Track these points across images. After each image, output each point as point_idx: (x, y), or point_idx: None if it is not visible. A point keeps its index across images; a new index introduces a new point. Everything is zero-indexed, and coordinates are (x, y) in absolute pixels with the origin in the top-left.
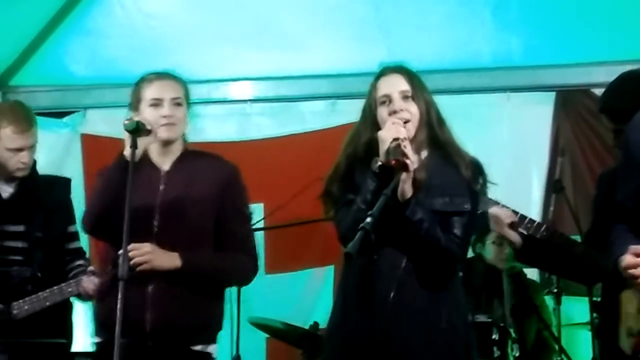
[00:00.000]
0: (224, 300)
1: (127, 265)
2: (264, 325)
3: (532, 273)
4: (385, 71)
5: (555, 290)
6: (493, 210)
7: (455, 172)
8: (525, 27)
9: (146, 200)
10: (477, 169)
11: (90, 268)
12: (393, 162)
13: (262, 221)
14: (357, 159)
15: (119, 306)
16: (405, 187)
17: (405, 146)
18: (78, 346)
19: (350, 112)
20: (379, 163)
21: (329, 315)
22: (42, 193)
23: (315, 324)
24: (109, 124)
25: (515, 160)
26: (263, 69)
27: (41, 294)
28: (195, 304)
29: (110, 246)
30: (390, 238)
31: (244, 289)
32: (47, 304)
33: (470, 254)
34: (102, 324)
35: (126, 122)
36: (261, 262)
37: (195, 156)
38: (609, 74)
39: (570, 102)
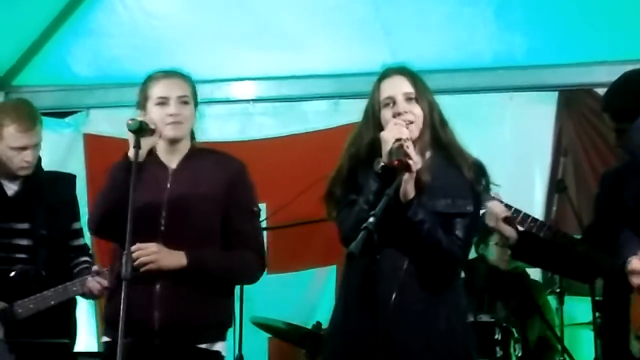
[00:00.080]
0: (232, 298)
1: (130, 265)
2: (266, 325)
3: (534, 273)
4: (388, 73)
5: (558, 290)
6: (488, 204)
7: (457, 174)
8: (527, 27)
9: (153, 199)
10: (479, 171)
11: (95, 267)
12: (395, 162)
13: (265, 221)
14: (359, 160)
15: (122, 306)
16: (408, 188)
17: (407, 147)
18: (81, 346)
19: (352, 111)
20: (382, 164)
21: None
22: (46, 190)
23: (318, 323)
24: (111, 123)
25: (517, 160)
26: (265, 68)
27: (46, 293)
28: (203, 302)
29: (117, 246)
30: (392, 239)
31: (246, 288)
32: (52, 302)
33: (472, 254)
34: (111, 324)
35: (129, 122)
36: None
37: (203, 154)
38: (611, 74)
39: (572, 101)
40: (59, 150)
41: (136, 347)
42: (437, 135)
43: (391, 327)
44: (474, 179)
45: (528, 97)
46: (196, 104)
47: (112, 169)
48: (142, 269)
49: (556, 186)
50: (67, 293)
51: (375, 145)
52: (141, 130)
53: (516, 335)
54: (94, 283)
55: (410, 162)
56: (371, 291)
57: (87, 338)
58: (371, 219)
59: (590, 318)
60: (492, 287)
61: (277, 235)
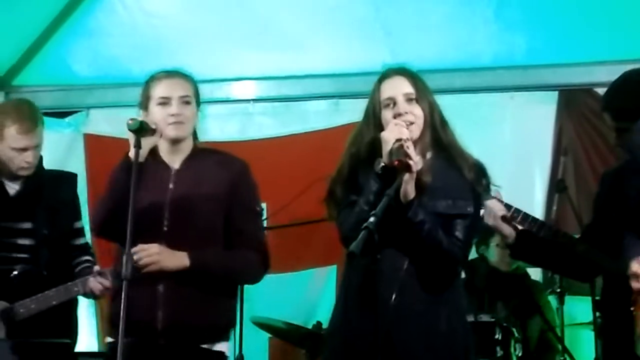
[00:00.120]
0: (235, 298)
1: (130, 265)
2: (266, 325)
3: (535, 273)
4: (389, 73)
5: (559, 290)
6: (487, 203)
7: (458, 175)
8: (527, 26)
9: (156, 199)
10: (480, 172)
11: (97, 268)
12: (396, 162)
13: (265, 221)
14: (360, 160)
15: (122, 305)
16: (408, 188)
17: (408, 147)
18: (81, 346)
19: (352, 111)
20: (382, 164)
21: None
22: (48, 190)
23: (318, 323)
24: (111, 123)
25: (518, 160)
26: (265, 68)
27: (47, 293)
28: (206, 302)
29: (120, 246)
30: (393, 239)
31: (246, 288)
32: (54, 302)
33: (473, 254)
34: (115, 324)
35: (129, 121)
36: None
37: (205, 154)
38: (611, 73)
39: (572, 101)
40: (59, 150)
41: (140, 347)
42: (438, 136)
43: (391, 327)
44: (474, 180)
45: (528, 97)
46: (198, 104)
47: (113, 171)
48: (144, 270)
49: (556, 186)
50: (68, 293)
51: (375, 146)
52: (141, 130)
53: (516, 335)
54: (96, 283)
55: (410, 162)
56: (371, 291)
57: (87, 338)
58: (372, 219)
59: (590, 318)
60: (492, 287)
61: (277, 235)
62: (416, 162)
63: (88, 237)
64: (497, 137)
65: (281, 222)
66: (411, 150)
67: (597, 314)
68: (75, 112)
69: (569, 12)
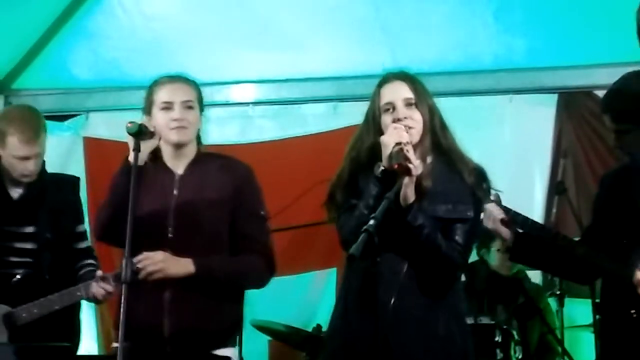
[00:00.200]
0: (241, 303)
1: (130, 269)
2: (266, 328)
3: (535, 275)
4: (388, 78)
5: (558, 293)
6: (486, 206)
7: (458, 179)
8: (527, 29)
9: (160, 205)
10: (480, 176)
11: (100, 273)
12: (396, 166)
13: None
14: (360, 164)
15: (122, 310)
16: (408, 192)
17: (407, 150)
18: (81, 349)
19: (352, 114)
20: (382, 168)
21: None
22: (51, 193)
23: (318, 326)
24: (111, 127)
25: (517, 162)
26: (265, 71)
27: (50, 297)
28: (212, 308)
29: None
30: (392, 243)
31: (246, 291)
32: (56, 307)
33: (474, 257)
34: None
35: (128, 125)
36: None
37: (209, 159)
38: (611, 76)
39: (572, 103)
40: (59, 153)
41: (148, 354)
42: (438, 140)
43: (389, 330)
44: (474, 184)
45: (528, 99)
46: (202, 109)
47: (114, 175)
48: (149, 279)
49: (556, 188)
50: (71, 298)
51: (375, 150)
52: (140, 133)
53: (516, 337)
54: (98, 288)
55: (410, 165)
56: (371, 294)
57: (87, 342)
58: (371, 222)
59: (590, 320)
60: (492, 289)
61: (277, 238)
62: (416, 165)
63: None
64: (497, 140)
65: (281, 225)
66: (411, 154)
67: (597, 316)
68: (75, 115)
69: (568, 15)
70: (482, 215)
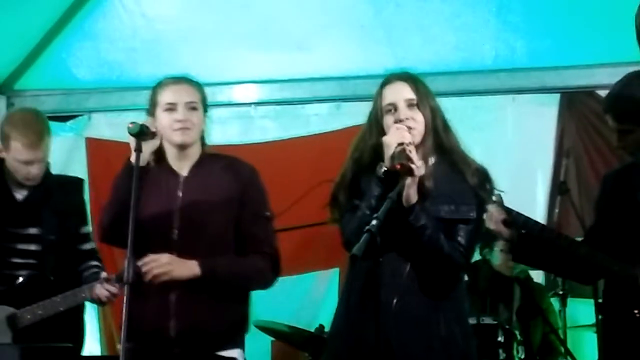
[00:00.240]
0: (247, 303)
1: (132, 269)
2: (269, 328)
3: (537, 275)
4: (391, 79)
5: (561, 293)
6: (488, 207)
7: (461, 180)
8: (529, 29)
9: (165, 207)
10: (483, 177)
11: (104, 274)
12: (398, 166)
13: None
14: (363, 165)
15: (124, 311)
16: (410, 192)
17: (410, 151)
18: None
19: (354, 114)
20: (384, 168)
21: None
22: (55, 195)
23: (321, 326)
24: (113, 127)
25: (519, 163)
26: (267, 71)
27: (54, 299)
28: (219, 309)
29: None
30: (394, 244)
31: None
32: (60, 308)
33: (476, 256)
34: (129, 330)
35: (130, 125)
36: None
37: (213, 159)
38: (613, 76)
39: (574, 103)
40: (61, 154)
41: (154, 356)
42: (441, 141)
43: (391, 331)
44: (477, 185)
45: (530, 99)
46: (206, 110)
47: (116, 176)
48: (155, 281)
49: (559, 188)
50: (75, 299)
51: (378, 151)
52: (142, 133)
53: (519, 337)
54: (102, 290)
55: (412, 166)
56: (373, 294)
57: (90, 343)
58: (374, 222)
59: (593, 320)
60: (495, 289)
61: (280, 238)
62: (418, 166)
63: None
64: (499, 140)
65: (283, 225)
66: (413, 154)
67: (600, 316)
68: (77, 116)
69: (570, 15)
70: (485, 216)
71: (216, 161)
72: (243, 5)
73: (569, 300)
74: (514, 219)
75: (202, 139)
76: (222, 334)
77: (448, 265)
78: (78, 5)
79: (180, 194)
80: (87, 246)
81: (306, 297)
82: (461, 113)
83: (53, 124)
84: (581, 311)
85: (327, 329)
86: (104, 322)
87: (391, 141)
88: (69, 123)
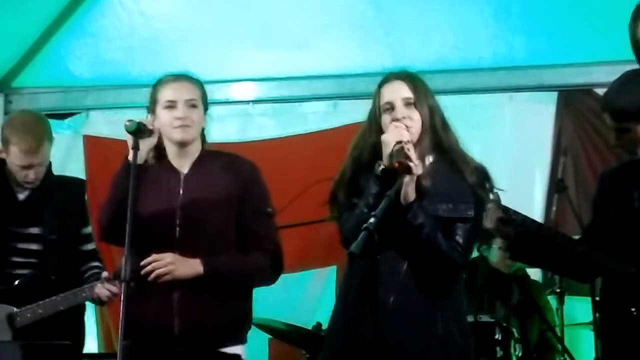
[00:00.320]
0: (250, 300)
1: (129, 267)
2: (266, 326)
3: (534, 273)
4: (389, 78)
5: (558, 290)
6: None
7: (460, 179)
8: (527, 27)
9: (166, 205)
10: (482, 176)
11: (105, 274)
12: (396, 164)
13: None
14: (362, 163)
15: (121, 309)
16: (408, 191)
17: (408, 149)
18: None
19: (352, 112)
20: (382, 167)
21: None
22: (56, 195)
23: (318, 324)
24: (111, 125)
25: (517, 160)
26: (265, 69)
27: (55, 298)
28: (221, 306)
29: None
30: (392, 242)
31: None
32: (61, 308)
33: (474, 253)
34: (130, 328)
35: (127, 123)
36: None
37: (214, 157)
38: (610, 74)
39: (572, 101)
40: (59, 151)
41: (158, 354)
42: (439, 139)
43: (388, 330)
44: (476, 184)
45: (528, 97)
46: (206, 107)
47: (115, 175)
48: (159, 281)
49: (556, 186)
50: (76, 299)
51: (377, 149)
52: (139, 131)
53: (516, 335)
54: (103, 290)
55: (411, 164)
56: (371, 292)
57: (87, 340)
58: (372, 220)
59: (590, 318)
60: (492, 286)
61: None
62: (417, 164)
63: None
64: (497, 138)
65: (281, 223)
66: (412, 153)
67: (597, 314)
68: (75, 113)
69: (568, 13)
70: (483, 214)
71: (216, 159)
72: (242, 4)
73: (567, 298)
74: (511, 217)
75: (203, 136)
76: (225, 331)
77: (445, 264)
78: (76, 3)
79: (181, 191)
80: (89, 247)
81: (304, 294)
82: (459, 111)
83: (51, 122)
84: (578, 309)
85: (324, 327)
86: (101, 320)
87: (389, 139)
88: (67, 121)
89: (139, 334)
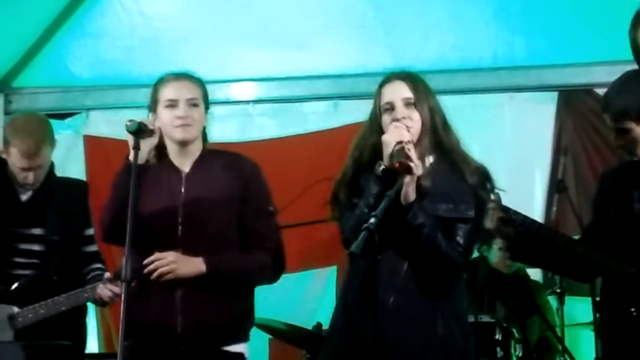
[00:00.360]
0: (252, 298)
1: (129, 267)
2: (267, 326)
3: (534, 273)
4: (390, 78)
5: (559, 291)
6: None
7: (460, 179)
8: (527, 27)
9: (168, 204)
10: (483, 176)
11: (107, 275)
12: (396, 164)
13: None
14: (363, 163)
15: (122, 309)
16: (409, 191)
17: (409, 149)
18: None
19: (352, 112)
20: (382, 167)
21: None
22: (59, 196)
23: (319, 324)
24: (111, 125)
25: (518, 160)
26: (265, 69)
27: (57, 299)
28: (224, 304)
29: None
30: (392, 242)
31: None
32: (63, 308)
33: (474, 254)
34: (132, 327)
35: (128, 123)
36: None
37: (215, 156)
38: (611, 74)
39: (572, 101)
40: (59, 152)
41: (160, 353)
42: (440, 140)
43: (388, 330)
44: (476, 184)
45: (528, 97)
46: (207, 106)
47: (116, 175)
48: (161, 280)
49: (556, 186)
50: (78, 299)
51: (378, 149)
52: (140, 131)
53: (517, 335)
54: (105, 290)
55: (411, 164)
56: (371, 293)
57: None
58: (372, 220)
59: (590, 318)
60: (492, 287)
61: None
62: (417, 164)
63: None
64: (497, 138)
65: (281, 223)
66: (412, 153)
67: (597, 314)
68: (75, 113)
69: (568, 13)
70: (484, 214)
71: (218, 158)
72: (242, 3)
73: (567, 298)
74: (511, 217)
75: (204, 135)
76: (228, 329)
77: (446, 264)
78: (76, 3)
79: (182, 190)
80: (91, 248)
81: (304, 295)
82: (459, 111)
83: (51, 122)
84: (579, 309)
85: (324, 327)
86: (101, 320)
87: (390, 140)
88: (67, 121)
89: (141, 333)
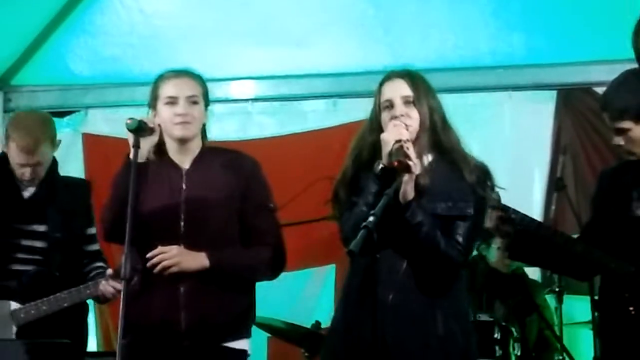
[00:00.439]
0: (253, 293)
1: (129, 265)
2: (265, 324)
3: (533, 272)
4: (390, 76)
5: (557, 289)
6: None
7: (459, 177)
8: (526, 25)
9: (170, 200)
10: (483, 174)
11: (109, 271)
12: (395, 163)
13: None
14: (362, 162)
15: (121, 306)
16: (407, 189)
17: (407, 148)
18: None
19: (351, 111)
20: (381, 165)
21: (330, 314)
22: (61, 194)
23: (317, 323)
24: (110, 123)
25: (516, 159)
26: (264, 67)
27: (59, 295)
28: (227, 300)
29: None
30: (391, 240)
31: None
32: (65, 305)
33: (474, 252)
34: (133, 325)
35: (128, 121)
36: None
37: (215, 153)
38: (610, 73)
39: (571, 100)
40: (58, 150)
41: (164, 349)
42: (439, 138)
43: (387, 329)
44: (476, 183)
45: (527, 96)
46: (207, 104)
47: (116, 174)
48: (165, 273)
49: (555, 185)
50: (80, 296)
51: (377, 148)
52: (140, 129)
53: (515, 334)
54: (107, 287)
55: (410, 163)
56: (371, 291)
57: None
58: (371, 218)
59: (589, 317)
60: (491, 286)
61: None
62: (416, 163)
63: None
64: (496, 136)
65: (280, 221)
66: (411, 151)
67: (596, 313)
68: (74, 111)
69: (567, 12)
70: (484, 212)
71: (218, 155)
72: (241, 1)
73: (565, 297)
74: (510, 216)
75: (204, 132)
76: (230, 325)
77: (445, 262)
78: (76, 1)
79: (184, 186)
80: (93, 247)
81: (302, 293)
82: (458, 110)
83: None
84: (577, 308)
85: (323, 325)
86: (100, 318)
87: (389, 138)
88: (66, 119)
89: (142, 330)
